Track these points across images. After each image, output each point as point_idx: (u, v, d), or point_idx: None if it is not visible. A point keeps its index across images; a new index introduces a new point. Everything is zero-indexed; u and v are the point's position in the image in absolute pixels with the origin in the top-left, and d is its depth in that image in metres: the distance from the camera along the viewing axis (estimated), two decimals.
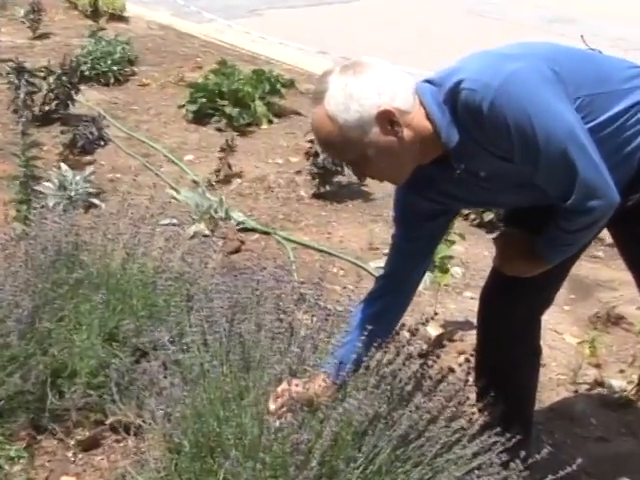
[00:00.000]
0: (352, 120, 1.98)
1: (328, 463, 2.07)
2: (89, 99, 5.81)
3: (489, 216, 4.36)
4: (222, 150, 4.82)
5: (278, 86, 5.93)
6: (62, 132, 5.03)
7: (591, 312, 3.70)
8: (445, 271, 3.37)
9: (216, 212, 4.17)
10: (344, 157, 2.12)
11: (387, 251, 3.78)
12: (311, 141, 4.67)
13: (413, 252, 2.32)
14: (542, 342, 2.59)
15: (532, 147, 1.96)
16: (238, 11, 8.77)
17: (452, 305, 3.72)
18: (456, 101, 2.00)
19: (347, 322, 2.41)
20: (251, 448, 2.12)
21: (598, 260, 4.09)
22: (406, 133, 2.01)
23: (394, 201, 2.33)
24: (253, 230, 4.22)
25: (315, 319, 2.55)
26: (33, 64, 5.52)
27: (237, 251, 3.94)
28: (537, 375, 2.63)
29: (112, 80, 6.25)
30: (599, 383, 3.16)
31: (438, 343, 3.27)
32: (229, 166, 4.79)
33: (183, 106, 5.74)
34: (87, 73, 6.14)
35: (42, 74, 5.35)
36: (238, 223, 4.20)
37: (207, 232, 4.01)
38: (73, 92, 5.39)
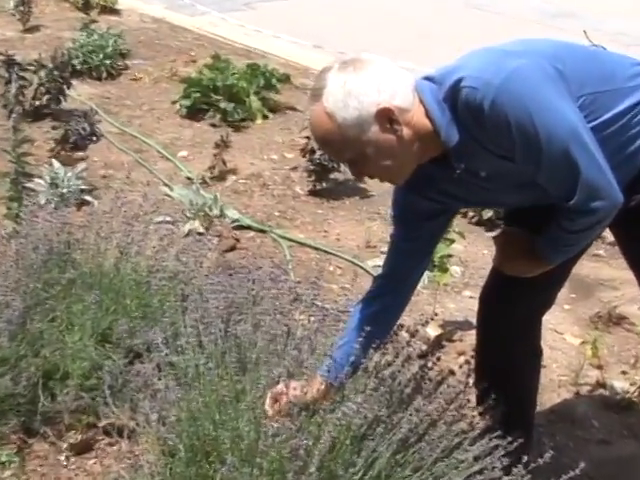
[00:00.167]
0: (351, 118, 1.97)
1: (327, 468, 2.06)
2: (81, 94, 5.78)
3: (488, 214, 4.35)
4: (216, 146, 4.79)
5: (273, 81, 5.90)
6: (53, 127, 5.01)
7: (592, 312, 3.69)
8: (444, 270, 3.36)
9: (211, 209, 4.16)
10: (342, 156, 2.10)
11: (385, 249, 3.79)
12: (307, 137, 4.65)
13: (412, 252, 2.31)
14: (542, 342, 2.58)
15: (534, 146, 1.95)
16: (232, 4, 8.72)
17: (451, 305, 3.71)
18: (456, 99, 1.98)
19: (345, 322, 2.40)
20: (248, 453, 2.10)
21: (599, 259, 4.08)
22: (405, 132, 2.00)
23: (393, 200, 2.32)
24: (248, 228, 4.20)
25: (312, 319, 2.55)
26: (24, 57, 5.47)
27: (232, 249, 3.92)
28: (538, 376, 2.62)
29: (104, 74, 6.21)
30: (601, 384, 3.16)
31: (437, 344, 3.27)
32: (224, 162, 4.76)
33: (176, 101, 5.71)
34: (79, 67, 6.09)
35: (33, 68, 5.30)
36: (233, 221, 4.18)
37: (201, 230, 3.98)
38: (65, 86, 5.35)
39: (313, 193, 4.66)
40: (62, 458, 2.53)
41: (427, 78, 2.07)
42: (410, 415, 2.17)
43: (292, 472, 1.99)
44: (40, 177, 4.20)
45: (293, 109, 5.89)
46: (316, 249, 4.07)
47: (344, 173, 4.63)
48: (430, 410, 2.24)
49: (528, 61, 1.97)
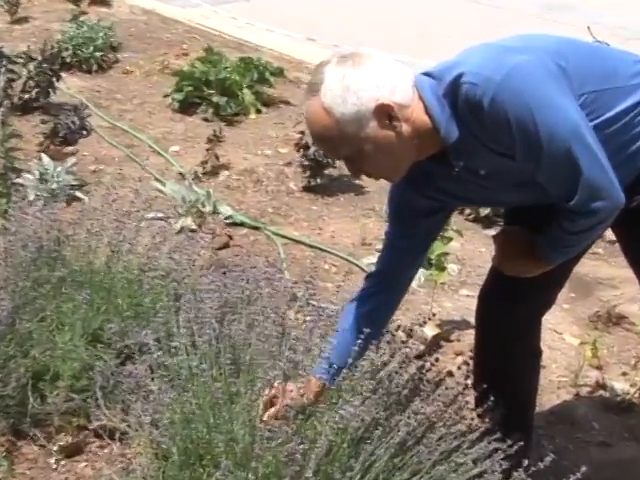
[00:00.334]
0: (349, 114, 1.95)
1: (323, 472, 2.05)
2: (70, 87, 5.74)
3: (485, 211, 4.34)
4: (209, 141, 4.77)
5: (267, 74, 5.88)
6: (43, 121, 4.98)
7: (591, 311, 3.69)
8: (442, 269, 3.35)
9: (203, 206, 4.14)
10: (339, 152, 2.08)
11: (380, 247, 3.79)
12: (302, 132, 4.63)
13: (407, 249, 2.30)
14: (541, 342, 2.58)
15: (534, 144, 1.93)
16: None
17: (448, 303, 3.69)
18: (456, 95, 1.97)
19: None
20: (243, 456, 2.09)
21: (598, 257, 4.07)
22: (404, 128, 1.98)
23: (389, 197, 2.30)
24: (242, 225, 4.18)
25: (308, 319, 2.54)
26: (12, 50, 5.43)
27: (225, 247, 3.91)
28: (538, 377, 2.62)
29: (94, 67, 6.17)
30: (601, 385, 3.15)
31: (435, 344, 3.25)
32: (216, 157, 4.74)
33: (168, 95, 5.68)
34: (68, 60, 6.05)
35: (21, 60, 5.27)
36: (226, 217, 4.17)
37: (194, 227, 3.97)
38: (54, 79, 5.32)
39: (307, 189, 4.64)
40: (52, 461, 2.51)
41: (426, 74, 2.06)
42: (408, 418, 2.16)
43: (288, 477, 1.98)
44: (29, 172, 4.17)
45: (287, 103, 5.86)
46: (310, 246, 4.05)
47: (339, 169, 4.62)
48: (428, 412, 2.23)
49: (530, 57, 1.96)
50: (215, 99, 5.52)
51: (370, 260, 3.73)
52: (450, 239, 3.41)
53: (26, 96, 5.27)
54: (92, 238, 2.98)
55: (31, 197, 3.92)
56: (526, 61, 1.95)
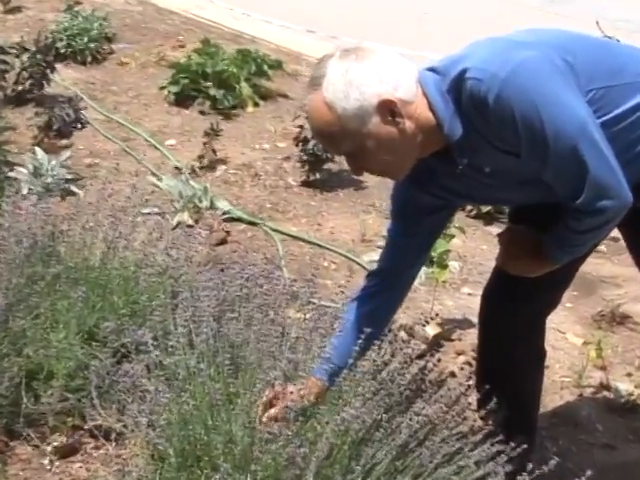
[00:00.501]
0: (351, 109, 1.93)
1: (324, 476, 2.03)
2: (65, 78, 5.72)
3: (487, 207, 4.32)
4: (206, 134, 4.75)
5: (264, 67, 5.85)
6: (37, 114, 4.94)
7: (595, 310, 3.68)
8: (444, 267, 3.33)
9: (200, 201, 4.12)
10: (340, 149, 2.06)
11: (381, 244, 3.78)
12: (300, 126, 4.61)
13: (410, 248, 2.28)
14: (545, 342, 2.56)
15: (540, 142, 1.92)
16: None
17: (449, 302, 3.68)
18: (460, 91, 1.95)
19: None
20: (242, 459, 2.07)
21: (601, 255, 4.06)
22: (408, 125, 1.97)
23: (392, 194, 2.29)
24: (239, 220, 4.16)
25: (308, 319, 2.52)
26: (5, 40, 5.42)
27: (223, 243, 3.89)
28: (542, 379, 2.61)
29: (89, 58, 6.15)
30: (605, 386, 3.14)
31: (436, 343, 3.24)
32: (213, 152, 4.72)
33: (164, 87, 5.66)
34: (63, 51, 6.03)
35: (15, 51, 5.25)
36: (223, 213, 4.15)
37: (191, 222, 3.95)
38: (48, 71, 5.30)
39: (306, 184, 4.63)
40: (46, 462, 2.48)
41: (430, 69, 2.04)
42: (410, 420, 2.15)
43: None
44: (22, 166, 4.15)
45: (285, 96, 5.85)
46: (309, 243, 4.04)
47: (338, 164, 4.60)
48: (430, 414, 2.21)
49: (536, 53, 1.94)
50: (212, 92, 5.50)
51: (370, 257, 3.72)
52: (452, 236, 3.40)
53: (19, 88, 5.25)
54: (87, 234, 2.96)
55: (25, 191, 3.90)
56: (532, 57, 1.93)
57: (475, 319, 3.36)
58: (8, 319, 2.61)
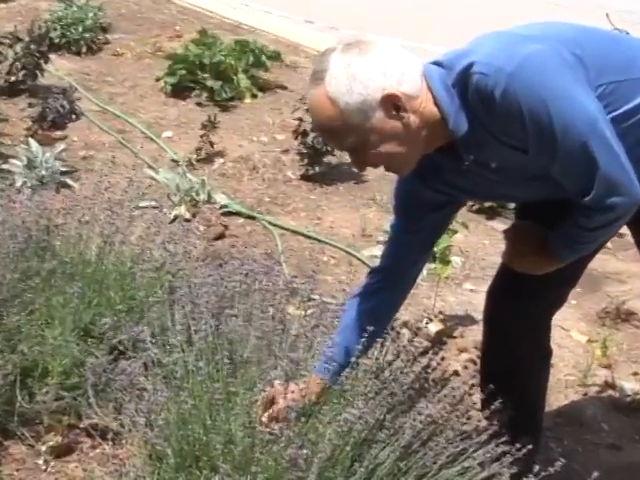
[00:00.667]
0: (354, 103, 1.91)
1: (326, 477, 2.01)
2: (59, 69, 5.69)
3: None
4: (203, 127, 4.74)
5: (263, 58, 5.83)
6: (30, 105, 4.93)
7: (599, 307, 3.67)
8: (446, 263, 3.31)
9: (198, 194, 4.09)
10: (343, 144, 2.03)
11: (381, 238, 3.77)
12: (299, 119, 4.59)
13: (413, 245, 2.26)
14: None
15: (548, 138, 1.89)
16: None
17: (451, 298, 3.66)
18: (466, 86, 1.93)
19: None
20: (242, 460, 2.05)
21: (606, 251, 4.01)
22: (412, 119, 1.94)
23: (395, 188, 2.27)
24: (237, 214, 4.14)
25: (309, 312, 2.50)
26: None
27: (221, 237, 3.87)
28: (547, 378, 2.59)
29: (84, 49, 6.13)
30: (610, 385, 3.12)
31: (438, 340, 3.22)
32: (211, 144, 4.70)
33: (161, 78, 5.64)
34: (57, 41, 6.02)
35: (8, 41, 5.24)
36: (221, 207, 4.12)
37: (188, 216, 3.93)
38: (42, 61, 5.28)
39: (305, 177, 4.61)
40: (41, 462, 2.46)
41: (435, 63, 2.01)
42: (413, 420, 2.13)
43: None
44: (16, 158, 4.13)
45: (283, 88, 5.83)
46: (309, 237, 4.01)
47: (338, 157, 4.59)
48: (434, 414, 2.19)
49: (544, 46, 1.91)
50: (209, 83, 5.48)
51: (371, 252, 3.70)
52: (455, 232, 3.38)
53: (12, 78, 5.23)
54: (83, 228, 2.94)
55: (18, 184, 3.88)
56: (540, 50, 1.90)
57: (477, 315, 3.37)
58: (2, 315, 2.60)
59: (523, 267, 2.23)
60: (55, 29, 6.05)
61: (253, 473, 1.99)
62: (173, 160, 4.62)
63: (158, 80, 5.67)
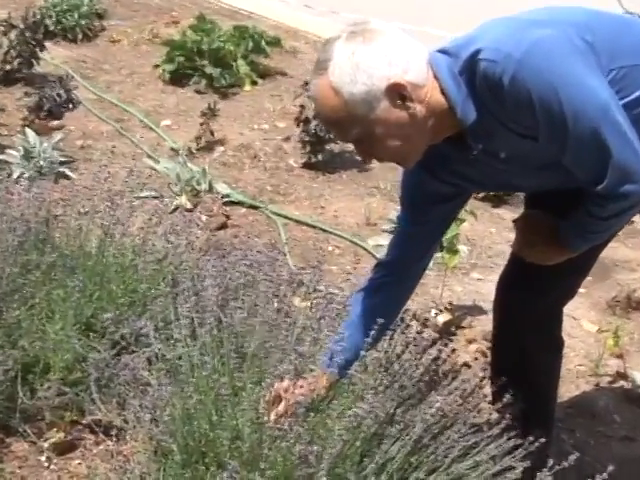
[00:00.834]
0: (359, 93, 1.88)
1: (336, 474, 2.00)
2: (55, 57, 5.67)
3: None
4: (203, 115, 4.71)
5: (262, 44, 5.82)
6: (26, 94, 4.91)
7: (609, 295, 3.66)
8: (454, 252, 3.30)
9: (199, 184, 4.07)
10: (348, 135, 2.00)
11: (386, 227, 3.75)
12: (301, 106, 4.57)
13: (420, 238, 2.24)
14: None
15: (559, 125, 1.87)
16: None
17: (458, 287, 3.65)
18: (474, 73, 1.90)
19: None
20: (249, 456, 2.04)
21: (615, 238, 3.98)
22: (418, 109, 1.92)
23: (401, 181, 2.25)
24: (239, 204, 4.12)
25: (315, 303, 2.49)
26: None
27: (223, 227, 3.85)
28: (559, 369, 2.57)
29: (80, 36, 6.11)
30: (622, 375, 3.12)
31: (445, 330, 3.21)
32: (211, 132, 4.68)
33: (159, 65, 5.62)
34: (52, 28, 6.01)
35: (2, 29, 5.22)
36: (223, 196, 4.10)
37: (189, 206, 3.91)
38: (37, 49, 5.26)
39: (308, 166, 4.59)
40: (43, 459, 2.44)
41: (441, 51, 1.99)
42: (424, 413, 2.12)
43: (300, 479, 1.93)
44: (13, 148, 4.10)
45: (283, 74, 5.81)
46: (313, 227, 4.00)
47: (340, 144, 4.57)
48: (445, 407, 2.18)
49: (553, 31, 1.89)
50: (208, 70, 5.46)
51: (376, 241, 3.69)
52: (463, 220, 3.36)
53: (8, 67, 5.21)
54: (83, 219, 2.91)
55: (15, 174, 3.86)
56: (549, 36, 1.88)
57: (485, 305, 3.36)
58: (2, 310, 2.57)
59: (534, 257, 2.21)
60: (50, 16, 6.03)
61: (262, 470, 1.98)
62: (172, 149, 4.60)
63: (156, 67, 5.65)
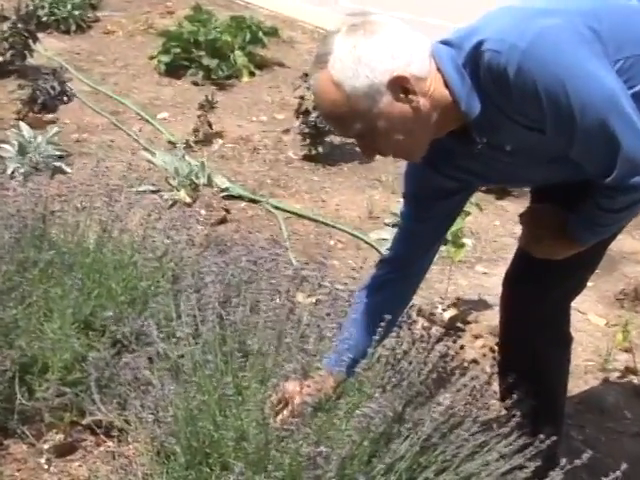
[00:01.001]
0: (361, 87, 1.86)
1: (345, 475, 1.99)
2: (48, 49, 5.66)
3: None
4: (201, 107, 4.69)
5: (260, 34, 5.80)
6: (20, 87, 4.88)
7: (616, 288, 3.64)
8: (459, 246, 3.28)
9: (197, 177, 4.05)
10: (350, 130, 1.97)
11: (388, 220, 3.73)
12: (301, 97, 4.55)
13: (424, 233, 2.23)
14: None
15: (566, 117, 1.84)
16: None
17: (463, 281, 3.64)
18: (478, 65, 1.88)
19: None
20: (255, 457, 2.02)
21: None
22: (422, 102, 1.90)
23: (404, 174, 2.23)
24: (239, 198, 4.10)
25: (320, 304, 2.48)
26: None
27: (223, 222, 3.83)
28: (568, 365, 2.55)
29: (73, 27, 6.10)
30: (631, 370, 3.10)
31: (451, 326, 3.20)
32: (209, 125, 4.66)
33: (154, 57, 5.60)
34: (45, 19, 6.00)
35: None
36: (222, 190, 4.08)
37: (188, 200, 3.89)
38: (30, 41, 5.25)
39: (308, 158, 4.57)
40: (43, 461, 2.42)
41: (444, 42, 1.97)
42: (433, 412, 2.10)
43: None
44: (7, 143, 4.08)
45: (281, 65, 5.80)
46: (314, 221, 3.98)
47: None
48: (454, 406, 2.17)
49: (558, 20, 1.86)
50: (205, 61, 5.45)
51: (379, 234, 3.68)
52: (468, 213, 3.34)
53: (0, 59, 5.18)
54: (80, 215, 2.90)
55: (10, 170, 3.84)
56: (554, 25, 1.85)
57: (490, 300, 3.35)
58: None
59: (541, 252, 2.19)
60: (43, 7, 6.02)
61: (268, 471, 1.97)
62: (170, 142, 4.58)
63: (151, 59, 5.63)
